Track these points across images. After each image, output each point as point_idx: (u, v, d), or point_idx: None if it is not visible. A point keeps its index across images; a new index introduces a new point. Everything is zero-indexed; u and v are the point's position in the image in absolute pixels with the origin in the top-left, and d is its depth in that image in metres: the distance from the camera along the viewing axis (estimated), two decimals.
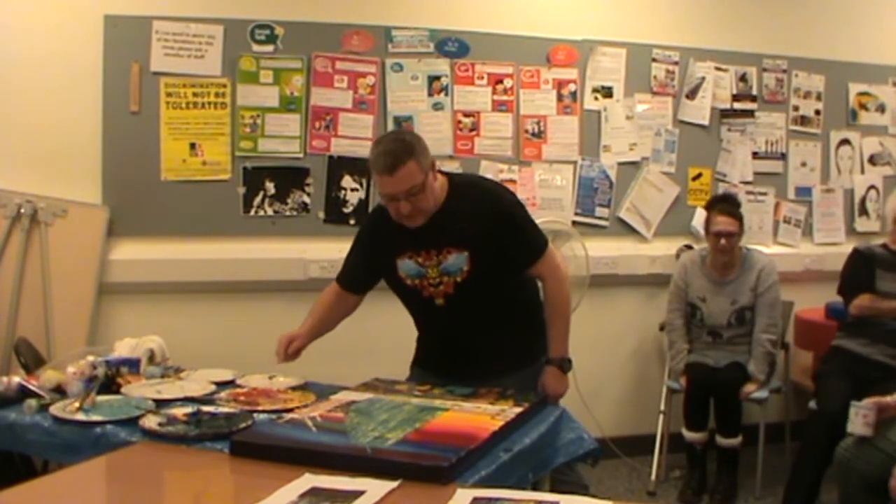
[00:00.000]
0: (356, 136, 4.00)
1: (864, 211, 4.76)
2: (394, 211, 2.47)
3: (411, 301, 2.66)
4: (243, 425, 2.14)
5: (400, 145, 2.41)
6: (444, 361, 2.65)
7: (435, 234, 2.50)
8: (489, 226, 2.49)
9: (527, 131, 4.21)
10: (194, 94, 3.83)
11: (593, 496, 2.12)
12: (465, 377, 2.51)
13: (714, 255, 3.93)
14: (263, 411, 2.31)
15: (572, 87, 4.26)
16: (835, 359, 3.64)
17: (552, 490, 2.39)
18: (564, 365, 2.65)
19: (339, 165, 3.99)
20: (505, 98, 4.17)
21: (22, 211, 3.61)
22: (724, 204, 3.95)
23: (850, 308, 3.62)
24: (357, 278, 2.78)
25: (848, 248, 3.90)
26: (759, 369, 3.83)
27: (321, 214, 3.99)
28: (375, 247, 2.67)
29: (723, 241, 3.85)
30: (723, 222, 3.86)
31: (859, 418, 2.78)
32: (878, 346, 3.53)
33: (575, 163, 4.25)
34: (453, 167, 4.09)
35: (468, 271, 2.51)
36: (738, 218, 3.90)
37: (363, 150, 4.00)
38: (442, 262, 2.52)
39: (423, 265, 2.55)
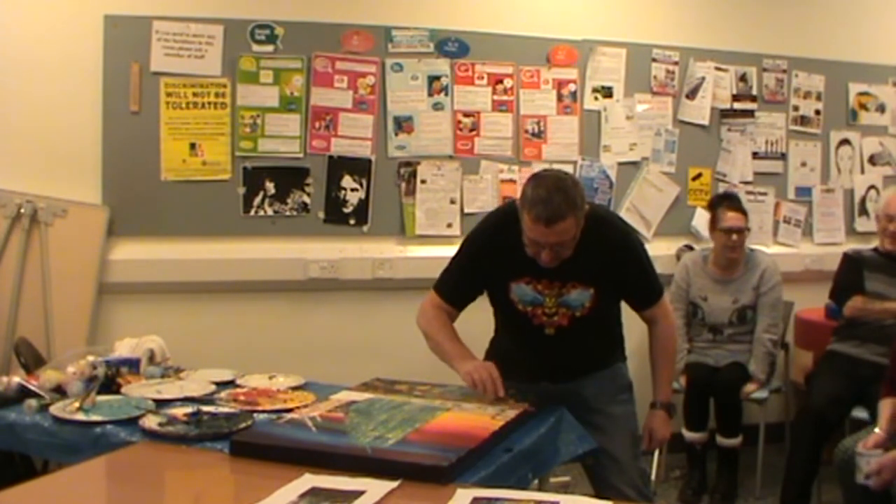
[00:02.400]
0: (356, 136, 4.00)
1: (864, 211, 4.76)
2: (533, 252, 2.34)
3: (516, 325, 2.55)
4: (243, 425, 2.14)
5: (563, 197, 2.24)
6: (525, 369, 2.55)
7: (561, 265, 2.37)
8: (618, 266, 2.45)
9: (527, 131, 4.21)
10: (194, 94, 3.83)
11: (593, 496, 2.12)
12: (540, 379, 2.52)
13: (722, 252, 3.92)
14: (263, 411, 2.31)
15: (572, 87, 4.25)
16: (827, 362, 3.69)
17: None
18: (670, 409, 2.67)
19: (339, 165, 3.99)
20: (505, 98, 4.17)
21: (22, 211, 3.61)
22: (730, 201, 3.97)
23: (843, 310, 3.66)
24: (464, 295, 2.59)
25: (848, 248, 3.91)
26: (760, 369, 3.83)
27: (321, 214, 3.99)
28: (488, 265, 2.50)
29: (734, 236, 3.85)
30: (733, 218, 3.87)
31: (872, 466, 2.69)
32: (868, 345, 3.55)
33: (575, 163, 4.25)
34: (453, 167, 4.10)
35: (590, 308, 2.46)
36: (745, 214, 3.93)
37: (363, 150, 4.01)
38: (564, 295, 2.44)
39: (542, 293, 2.45)
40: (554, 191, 2.25)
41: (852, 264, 3.71)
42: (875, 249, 3.71)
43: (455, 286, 2.58)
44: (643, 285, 2.57)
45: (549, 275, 2.42)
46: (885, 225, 3.60)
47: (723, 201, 3.99)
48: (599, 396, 2.57)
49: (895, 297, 3.56)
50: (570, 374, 2.56)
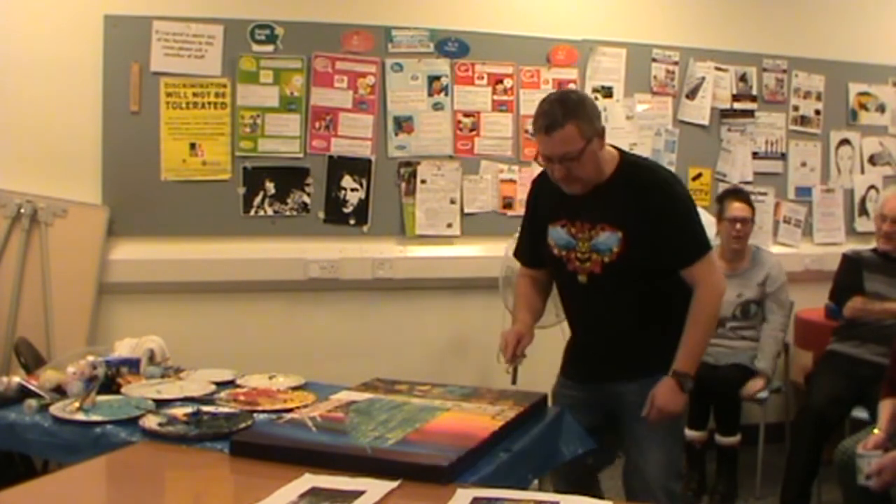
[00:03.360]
0: (356, 136, 4.00)
1: (864, 211, 4.76)
2: (549, 172, 2.39)
3: (557, 273, 2.54)
4: (243, 425, 2.14)
5: (561, 106, 2.28)
6: (580, 356, 2.57)
7: (593, 206, 2.38)
8: (652, 213, 2.34)
9: (527, 131, 4.20)
10: (194, 94, 3.83)
11: (593, 496, 2.11)
12: (595, 378, 2.50)
13: (727, 242, 3.94)
14: (263, 411, 2.31)
15: (572, 86, 4.25)
16: (826, 361, 3.71)
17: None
18: (684, 381, 2.40)
19: (339, 165, 3.99)
20: (505, 98, 4.17)
21: (22, 211, 3.61)
22: (737, 194, 4.04)
23: (843, 311, 3.68)
24: (533, 253, 2.60)
25: (848, 249, 3.91)
26: (769, 365, 3.84)
27: (321, 214, 3.99)
28: (534, 211, 2.58)
29: (738, 226, 3.88)
30: (738, 208, 3.91)
31: (872, 467, 2.67)
32: (868, 345, 3.57)
33: None
34: (453, 167, 4.10)
35: (618, 253, 2.36)
36: (752, 207, 3.97)
37: (363, 149, 4.01)
38: (594, 238, 2.40)
39: (575, 237, 2.43)
40: (555, 102, 2.32)
41: (852, 265, 3.73)
42: (874, 250, 3.74)
43: (524, 246, 2.66)
44: (677, 237, 2.38)
45: (582, 216, 2.42)
46: (880, 225, 3.63)
47: (730, 194, 4.06)
48: (642, 405, 2.42)
49: (895, 298, 3.58)
50: (615, 373, 2.46)
